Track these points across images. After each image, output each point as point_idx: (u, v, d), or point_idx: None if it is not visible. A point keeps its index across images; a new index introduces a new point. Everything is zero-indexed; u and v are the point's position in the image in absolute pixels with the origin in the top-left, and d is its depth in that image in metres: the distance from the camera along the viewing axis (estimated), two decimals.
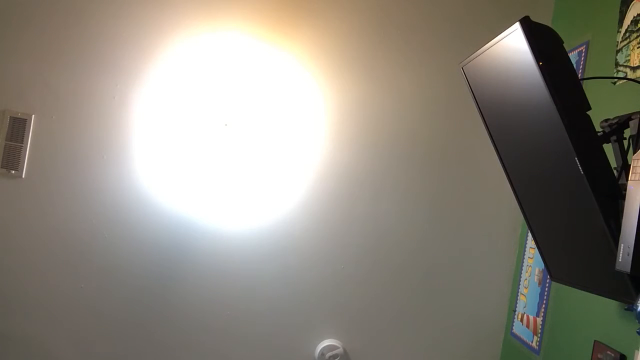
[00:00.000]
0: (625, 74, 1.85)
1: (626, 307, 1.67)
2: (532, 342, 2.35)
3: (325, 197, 2.67)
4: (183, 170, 2.61)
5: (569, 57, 1.36)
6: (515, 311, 2.58)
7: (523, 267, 2.57)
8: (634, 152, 1.35)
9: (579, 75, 2.17)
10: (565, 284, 1.73)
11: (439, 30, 2.69)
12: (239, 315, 2.65)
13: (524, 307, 2.48)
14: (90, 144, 2.59)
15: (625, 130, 1.48)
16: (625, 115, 1.47)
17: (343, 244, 2.67)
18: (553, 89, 1.27)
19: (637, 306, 1.27)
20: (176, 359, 2.64)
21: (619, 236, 1.22)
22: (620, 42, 1.91)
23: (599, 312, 1.87)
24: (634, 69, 1.81)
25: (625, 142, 1.48)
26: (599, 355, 1.79)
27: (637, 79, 1.76)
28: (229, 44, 2.61)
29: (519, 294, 2.56)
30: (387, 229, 2.68)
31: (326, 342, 2.66)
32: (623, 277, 1.27)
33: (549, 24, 2.06)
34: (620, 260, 1.20)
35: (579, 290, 1.66)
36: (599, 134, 1.46)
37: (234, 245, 2.64)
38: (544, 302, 2.28)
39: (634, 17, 1.85)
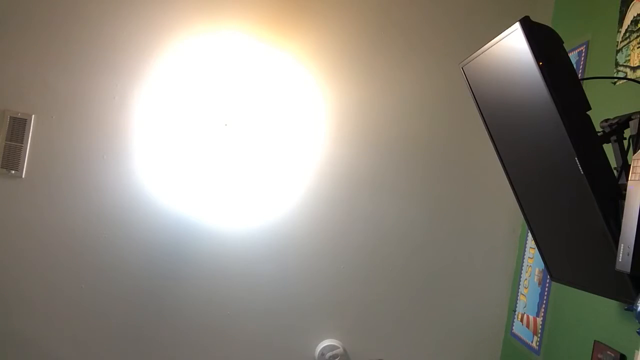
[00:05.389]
0: (625, 74, 1.85)
1: (626, 307, 1.66)
2: (532, 342, 2.35)
3: (325, 197, 2.66)
4: (183, 170, 2.61)
5: (569, 57, 1.36)
6: (515, 311, 2.58)
7: (523, 267, 2.57)
8: (634, 152, 1.35)
9: (579, 75, 2.17)
10: (565, 284, 1.73)
11: (439, 30, 2.69)
12: (239, 315, 2.65)
13: (524, 307, 2.48)
14: (90, 144, 2.59)
15: (625, 130, 1.48)
16: (625, 115, 1.47)
17: (343, 244, 2.67)
18: (553, 89, 1.27)
19: (637, 306, 1.27)
20: (175, 359, 2.64)
21: (619, 236, 1.22)
22: (620, 42, 1.91)
23: (599, 312, 1.87)
24: (634, 69, 1.81)
25: (625, 142, 1.48)
26: (599, 355, 1.79)
27: (637, 79, 1.76)
28: (229, 44, 2.61)
29: (519, 294, 2.56)
30: (387, 229, 2.68)
31: (326, 342, 2.66)
32: (623, 277, 1.27)
33: (549, 24, 2.06)
34: (620, 260, 1.20)
35: (579, 290, 1.66)
36: (599, 134, 1.46)
37: (234, 246, 2.64)
38: (544, 302, 2.28)
39: (634, 17, 1.85)
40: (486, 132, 1.74)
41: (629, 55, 1.84)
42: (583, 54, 2.22)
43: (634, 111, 1.45)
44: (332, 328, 2.68)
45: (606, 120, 1.51)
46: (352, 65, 2.67)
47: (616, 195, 1.28)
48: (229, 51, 2.61)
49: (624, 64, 1.87)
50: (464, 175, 2.70)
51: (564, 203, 1.49)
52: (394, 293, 2.69)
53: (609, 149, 1.40)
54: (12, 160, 2.55)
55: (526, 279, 2.50)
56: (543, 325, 2.27)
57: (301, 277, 2.66)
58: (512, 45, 1.36)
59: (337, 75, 2.66)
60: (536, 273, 2.40)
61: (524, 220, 1.78)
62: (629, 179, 1.23)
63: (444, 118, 2.69)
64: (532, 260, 2.46)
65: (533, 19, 1.30)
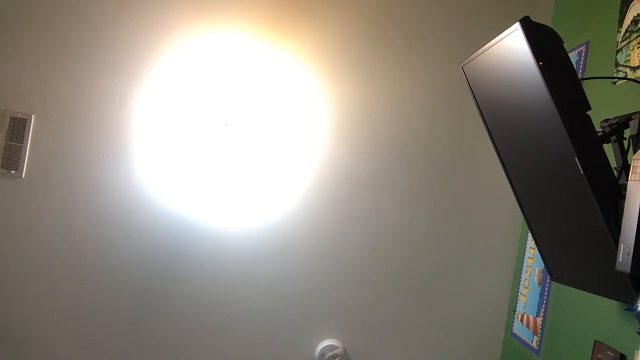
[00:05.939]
0: (625, 74, 1.85)
1: (626, 307, 1.67)
2: (532, 342, 2.35)
3: (325, 197, 2.66)
4: (183, 171, 2.61)
5: (569, 57, 1.36)
6: (515, 311, 2.58)
7: (523, 267, 2.57)
8: (634, 152, 1.35)
9: (579, 75, 2.17)
10: (565, 284, 1.73)
11: (439, 30, 2.69)
12: (238, 315, 2.65)
13: (524, 307, 2.48)
14: (90, 144, 2.59)
15: (625, 130, 1.48)
16: (625, 115, 1.47)
17: (343, 244, 2.67)
18: (553, 89, 1.27)
19: (637, 306, 1.27)
20: (176, 359, 2.64)
21: (619, 236, 1.22)
22: (620, 42, 1.91)
23: (599, 312, 1.87)
24: (634, 69, 1.81)
25: (625, 142, 1.48)
26: (599, 355, 1.79)
27: (637, 79, 1.76)
28: (229, 44, 2.61)
29: (519, 294, 2.56)
30: (387, 229, 2.68)
31: (326, 342, 2.66)
32: (623, 277, 1.27)
33: (549, 24, 2.06)
34: (620, 260, 1.20)
35: (579, 290, 1.66)
36: (599, 134, 1.46)
37: (233, 245, 2.64)
38: (544, 302, 2.28)
39: (634, 17, 1.85)
40: (486, 132, 1.74)
41: (629, 55, 1.84)
42: (583, 54, 2.22)
43: (634, 111, 1.45)
44: (332, 328, 2.68)
45: (606, 120, 1.51)
46: (352, 65, 2.67)
47: (616, 195, 1.28)
48: (229, 51, 2.61)
49: (624, 64, 1.87)
50: (464, 175, 2.70)
51: (564, 203, 1.49)
52: (394, 293, 2.69)
53: (609, 149, 1.40)
54: (12, 160, 2.55)
55: (526, 279, 2.50)
56: (543, 325, 2.27)
57: (301, 277, 2.66)
58: (512, 45, 1.36)
59: (337, 75, 2.66)
60: (536, 273, 2.40)
61: (524, 220, 1.78)
62: (629, 179, 1.23)
63: (444, 118, 2.69)
64: (532, 260, 2.46)
65: (533, 19, 1.30)
